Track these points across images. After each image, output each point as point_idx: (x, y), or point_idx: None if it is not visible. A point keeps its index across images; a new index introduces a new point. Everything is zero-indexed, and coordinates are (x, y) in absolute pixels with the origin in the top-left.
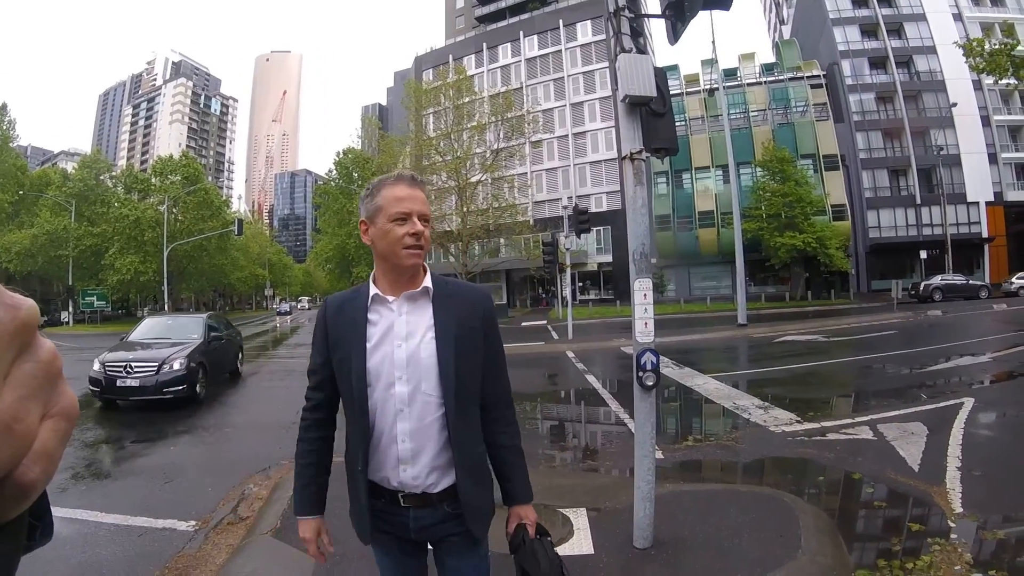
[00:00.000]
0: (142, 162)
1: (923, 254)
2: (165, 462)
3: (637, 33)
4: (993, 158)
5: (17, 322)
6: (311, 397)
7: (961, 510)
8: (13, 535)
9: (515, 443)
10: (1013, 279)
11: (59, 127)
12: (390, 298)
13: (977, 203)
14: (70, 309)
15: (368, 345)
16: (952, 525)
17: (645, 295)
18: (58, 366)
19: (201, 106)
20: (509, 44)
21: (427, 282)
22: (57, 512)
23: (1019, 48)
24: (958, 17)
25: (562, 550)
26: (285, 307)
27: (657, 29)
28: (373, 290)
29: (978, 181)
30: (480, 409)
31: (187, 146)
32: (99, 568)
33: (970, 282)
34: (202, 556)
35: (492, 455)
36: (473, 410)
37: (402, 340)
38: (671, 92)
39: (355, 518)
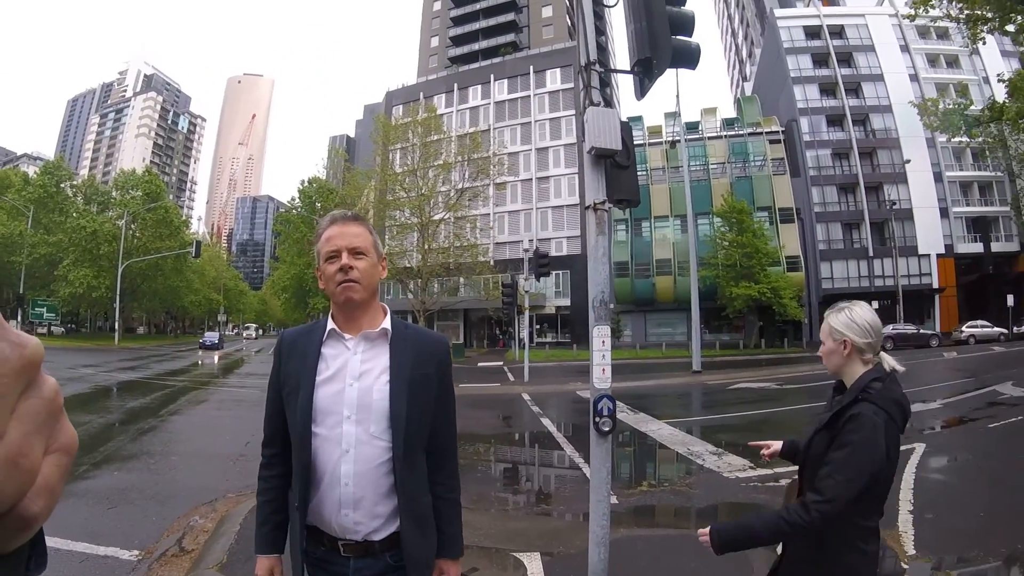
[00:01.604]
0: (104, 174)
1: (875, 304)
2: (109, 486)
3: (604, 83)
4: (944, 212)
5: (24, 359)
6: (266, 432)
7: (914, 552)
8: (13, 566)
9: (454, 496)
10: (963, 328)
11: (24, 129)
12: (347, 336)
13: (928, 255)
14: (19, 319)
15: (318, 379)
16: (905, 567)
17: (603, 341)
18: (59, 402)
19: (169, 122)
20: (480, 86)
21: (386, 323)
22: None
23: (972, 108)
24: (914, 78)
25: None
26: (213, 337)
27: (624, 81)
28: (331, 325)
29: (930, 234)
30: (427, 456)
31: (151, 161)
32: None
33: (921, 331)
34: None
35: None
36: (420, 458)
37: (355, 379)
38: (634, 143)
39: (292, 558)
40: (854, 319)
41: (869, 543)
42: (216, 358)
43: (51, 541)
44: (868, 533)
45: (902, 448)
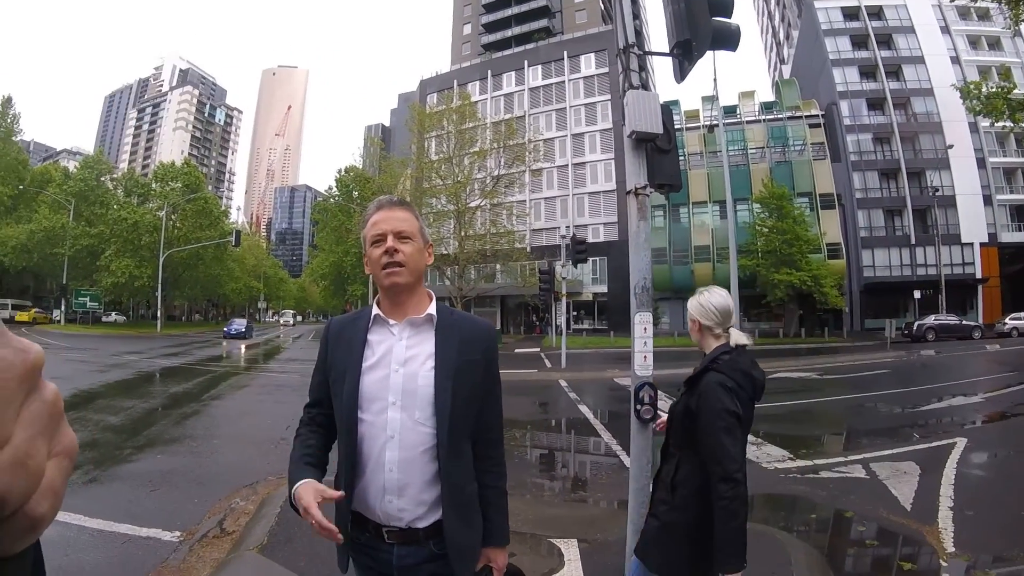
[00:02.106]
0: (144, 167)
1: (917, 294)
2: (152, 470)
3: (640, 67)
4: (988, 199)
5: (27, 365)
6: (311, 397)
7: (953, 549)
8: (20, 567)
9: (500, 484)
10: (1006, 320)
11: (63, 125)
12: (392, 321)
13: (972, 244)
14: (62, 308)
15: (364, 365)
16: (944, 564)
17: (645, 328)
18: (60, 407)
19: (206, 115)
20: (513, 73)
21: (431, 309)
22: None
23: (1016, 91)
24: (956, 60)
25: None
26: (239, 324)
27: (659, 65)
28: (376, 311)
29: (973, 222)
30: (472, 445)
31: (189, 154)
32: (81, 573)
33: (963, 322)
34: (185, 568)
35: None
36: (465, 446)
37: (400, 365)
38: (675, 128)
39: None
40: (702, 303)
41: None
42: (243, 348)
43: (94, 523)
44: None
45: (942, 443)
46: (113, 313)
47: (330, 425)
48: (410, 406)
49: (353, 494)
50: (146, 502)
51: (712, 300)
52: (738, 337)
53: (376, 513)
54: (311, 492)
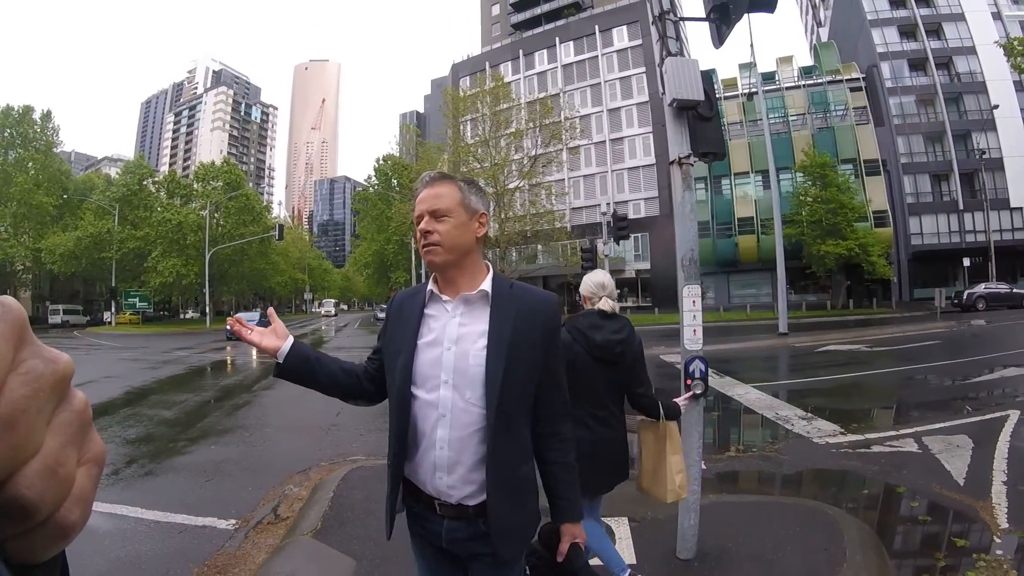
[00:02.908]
0: (184, 168)
1: (966, 262)
2: (206, 460)
3: (675, 37)
4: None
5: (57, 375)
6: (366, 366)
7: (1007, 525)
8: (49, 574)
9: (567, 460)
10: None
11: (102, 134)
12: (445, 298)
13: (1021, 208)
14: (112, 309)
15: (420, 342)
16: (997, 540)
17: (694, 301)
18: (89, 415)
19: (242, 114)
20: (545, 51)
21: (486, 284)
22: (98, 507)
23: None
24: (997, 16)
25: None
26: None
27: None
28: (430, 287)
29: (1022, 185)
30: (533, 422)
31: (228, 153)
32: (138, 563)
33: (1014, 291)
34: (241, 555)
35: (542, 471)
36: (519, 426)
37: (452, 343)
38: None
39: (387, 512)
40: (585, 279)
41: (585, 424)
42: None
43: (150, 515)
44: (581, 416)
45: (995, 416)
46: (189, 310)
47: (375, 374)
48: (461, 385)
49: (406, 466)
50: (201, 492)
51: (592, 276)
52: (602, 304)
53: (428, 487)
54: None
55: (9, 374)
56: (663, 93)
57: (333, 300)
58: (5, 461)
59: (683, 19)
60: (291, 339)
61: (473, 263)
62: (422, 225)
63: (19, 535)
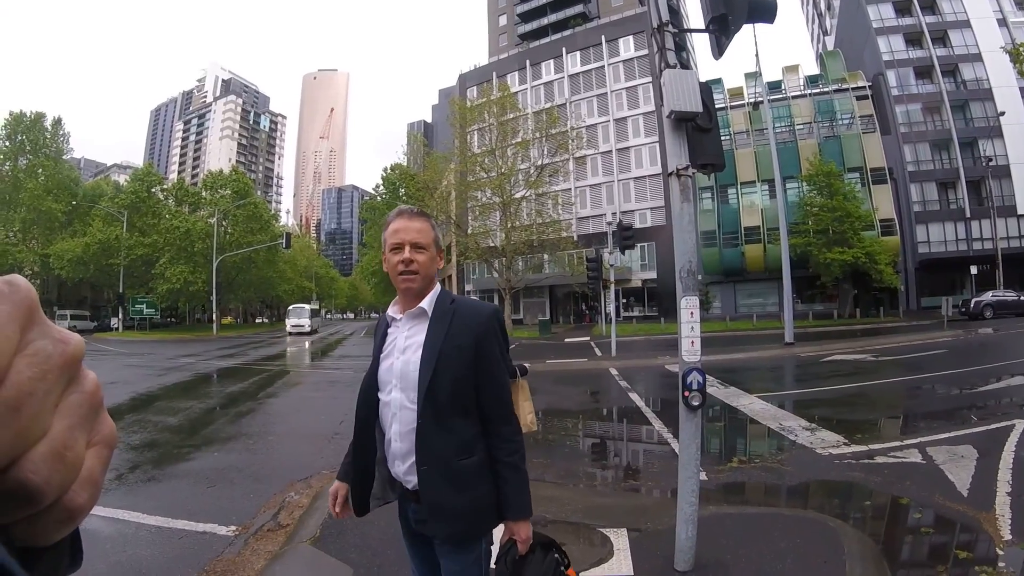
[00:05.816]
0: (193, 176)
1: (973, 269)
2: (208, 467)
3: (680, 47)
4: None
5: (67, 356)
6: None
7: (1010, 537)
8: (57, 557)
9: (510, 460)
10: None
11: (111, 141)
12: (398, 316)
13: None
14: (120, 316)
15: (381, 355)
16: (1000, 552)
17: (692, 313)
18: (100, 396)
19: (250, 122)
20: (552, 61)
21: (425, 303)
22: (100, 512)
23: None
24: (1003, 22)
25: (602, 571)
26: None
27: (699, 43)
28: (391, 310)
29: None
30: (482, 422)
31: (237, 161)
32: (139, 568)
33: (1022, 298)
34: (240, 561)
35: (492, 469)
36: (453, 421)
37: (401, 353)
38: (715, 106)
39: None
40: None
41: None
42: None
43: (151, 520)
44: None
45: (1000, 425)
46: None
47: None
48: (406, 388)
49: (376, 455)
50: (203, 498)
51: None
52: None
53: (396, 476)
54: (334, 489)
55: (16, 355)
56: (662, 105)
57: (310, 307)
58: (10, 446)
59: (682, 31)
60: (340, 485)
61: (432, 286)
62: (406, 255)
63: (25, 518)
